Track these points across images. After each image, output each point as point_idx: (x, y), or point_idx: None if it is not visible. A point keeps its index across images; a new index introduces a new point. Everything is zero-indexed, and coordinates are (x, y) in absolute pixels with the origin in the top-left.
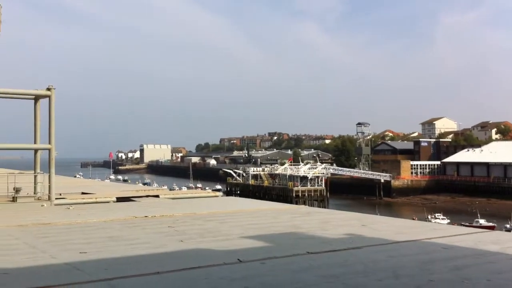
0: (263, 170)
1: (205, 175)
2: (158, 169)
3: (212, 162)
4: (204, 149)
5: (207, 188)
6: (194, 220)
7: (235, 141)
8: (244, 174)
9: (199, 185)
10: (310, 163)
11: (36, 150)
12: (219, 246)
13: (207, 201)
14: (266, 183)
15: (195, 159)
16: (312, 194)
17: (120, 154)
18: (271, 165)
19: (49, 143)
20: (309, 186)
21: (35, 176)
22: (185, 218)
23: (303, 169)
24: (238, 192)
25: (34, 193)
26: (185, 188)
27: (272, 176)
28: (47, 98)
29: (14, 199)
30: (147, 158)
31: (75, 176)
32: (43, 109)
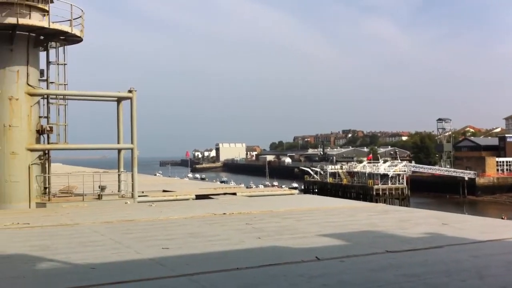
0: (341, 168)
1: (280, 173)
2: (233, 168)
3: (287, 160)
4: (278, 147)
5: (283, 186)
6: (271, 217)
7: (308, 139)
8: (322, 172)
9: (275, 183)
10: (387, 160)
11: (119, 150)
12: (297, 243)
13: (284, 199)
14: (344, 181)
15: (270, 157)
16: (393, 192)
17: (196, 153)
18: (347, 163)
19: (132, 142)
20: (389, 184)
21: (119, 175)
22: (262, 216)
23: (383, 167)
24: (316, 190)
25: (118, 191)
26: (262, 186)
27: (351, 174)
28: (129, 100)
29: (99, 197)
30: (222, 157)
31: (155, 175)
32: (125, 110)
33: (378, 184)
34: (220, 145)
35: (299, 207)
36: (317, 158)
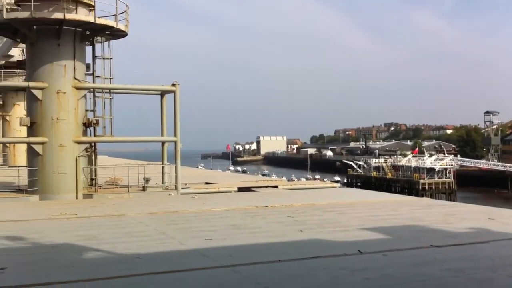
0: (385, 162)
1: (321, 166)
2: (274, 160)
3: (329, 153)
4: (318, 141)
5: (325, 179)
6: (313, 210)
7: (350, 132)
8: (366, 166)
9: (317, 176)
10: (432, 154)
11: (163, 143)
12: (339, 237)
13: (325, 192)
14: (389, 175)
15: (311, 151)
16: (440, 186)
17: (237, 146)
18: (390, 157)
19: (175, 135)
20: (436, 179)
21: (162, 167)
22: (304, 208)
23: (429, 161)
24: (359, 184)
25: (162, 183)
26: (304, 179)
27: (395, 167)
28: (172, 93)
29: (144, 189)
30: (263, 150)
31: (197, 167)
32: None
33: (424, 178)
34: (261, 138)
35: (341, 201)
36: (359, 152)
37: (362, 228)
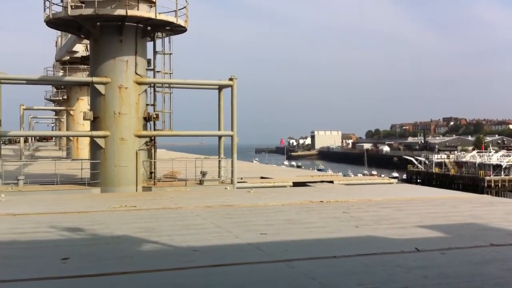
0: (448, 157)
1: (378, 162)
2: (329, 155)
3: (385, 148)
4: (374, 135)
5: (382, 175)
6: (369, 206)
7: (407, 127)
8: (427, 162)
9: (374, 172)
10: (496, 150)
11: (220, 137)
12: (395, 233)
13: (382, 188)
14: (452, 172)
15: (367, 146)
16: (506, 184)
17: (291, 141)
18: (450, 152)
19: (232, 129)
20: (502, 176)
21: (219, 161)
22: (360, 204)
23: (495, 157)
24: (419, 181)
25: (218, 177)
26: (360, 175)
27: (458, 164)
28: (230, 88)
29: (201, 182)
30: (318, 144)
31: (252, 162)
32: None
33: (490, 176)
34: (316, 132)
35: (397, 197)
36: (417, 147)
37: (419, 225)
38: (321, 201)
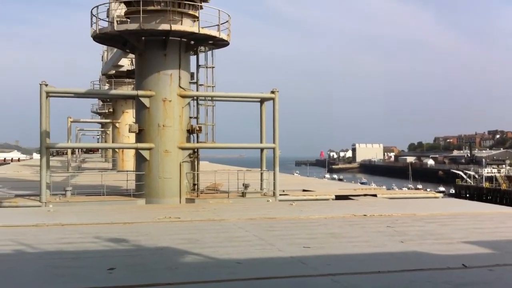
0: (498, 172)
1: (422, 175)
2: (370, 169)
3: (430, 162)
4: (417, 148)
5: (428, 189)
6: (414, 221)
7: (451, 140)
8: (477, 176)
9: (419, 186)
10: None
11: (262, 149)
12: (441, 249)
13: (426, 202)
14: (503, 187)
15: (410, 159)
16: None
17: (331, 153)
18: (498, 166)
19: (274, 142)
20: None
21: (261, 173)
22: (404, 219)
23: None
24: (468, 195)
25: (261, 189)
26: (405, 189)
27: (510, 178)
28: (271, 101)
29: (243, 194)
30: (359, 157)
31: (293, 174)
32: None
33: None
34: (357, 145)
35: (443, 212)
36: (463, 161)
37: (466, 241)
38: (365, 215)
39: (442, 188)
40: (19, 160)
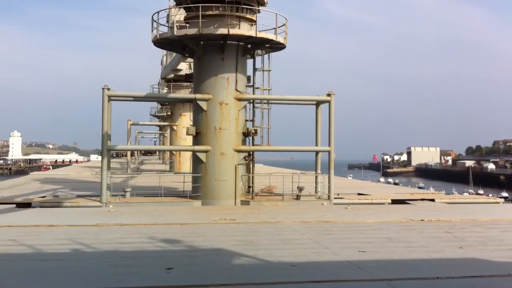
0: None
1: (481, 180)
2: (426, 173)
3: (490, 166)
4: (475, 152)
5: (489, 195)
6: (473, 226)
7: (511, 144)
8: None
9: (480, 191)
10: None
11: (317, 152)
12: (503, 256)
13: (487, 208)
14: None
15: (469, 163)
16: None
17: (385, 157)
18: None
19: (329, 145)
20: None
21: (316, 176)
22: (463, 224)
23: None
24: None
25: (315, 192)
26: (466, 194)
27: None
28: (327, 103)
29: (297, 197)
30: (414, 161)
31: (347, 177)
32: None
33: None
34: (412, 148)
35: (504, 217)
36: None
37: None
38: (422, 220)
39: (505, 194)
40: (77, 161)
